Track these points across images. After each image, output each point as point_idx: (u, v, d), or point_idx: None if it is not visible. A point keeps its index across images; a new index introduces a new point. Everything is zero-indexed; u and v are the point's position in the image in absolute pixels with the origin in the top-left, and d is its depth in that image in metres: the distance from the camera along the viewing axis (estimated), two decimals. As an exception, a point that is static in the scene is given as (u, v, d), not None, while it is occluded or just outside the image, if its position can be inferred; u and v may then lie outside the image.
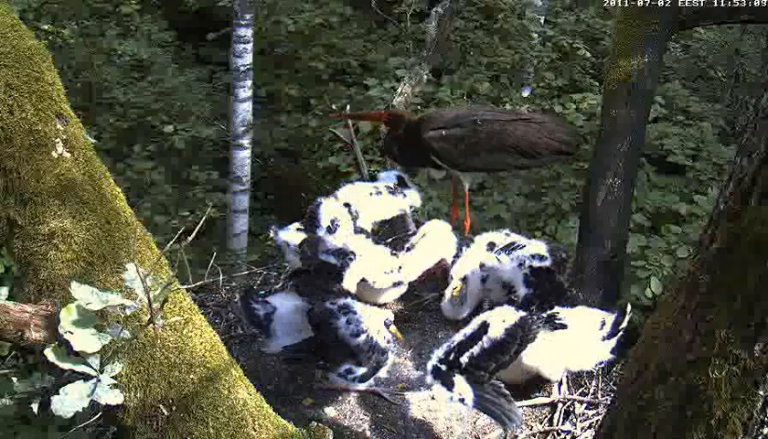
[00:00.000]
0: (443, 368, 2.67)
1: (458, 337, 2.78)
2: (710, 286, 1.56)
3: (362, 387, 3.01)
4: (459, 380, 2.63)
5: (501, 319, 2.75)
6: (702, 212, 5.20)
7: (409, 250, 3.52)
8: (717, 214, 1.57)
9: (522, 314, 2.81)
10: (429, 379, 2.70)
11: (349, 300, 2.89)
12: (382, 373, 2.91)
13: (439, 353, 2.73)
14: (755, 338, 1.49)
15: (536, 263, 3.13)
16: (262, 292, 3.12)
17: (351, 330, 2.77)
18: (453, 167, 3.84)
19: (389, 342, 2.90)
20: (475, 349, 2.67)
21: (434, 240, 3.56)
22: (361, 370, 2.82)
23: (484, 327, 2.73)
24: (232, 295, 3.76)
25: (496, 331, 2.70)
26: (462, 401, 2.60)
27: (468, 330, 2.77)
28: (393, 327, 3.03)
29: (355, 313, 2.82)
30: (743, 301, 1.49)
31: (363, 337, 2.78)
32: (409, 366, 3.33)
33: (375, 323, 2.88)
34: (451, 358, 2.68)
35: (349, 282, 3.08)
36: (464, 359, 2.66)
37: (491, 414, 2.65)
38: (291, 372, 3.17)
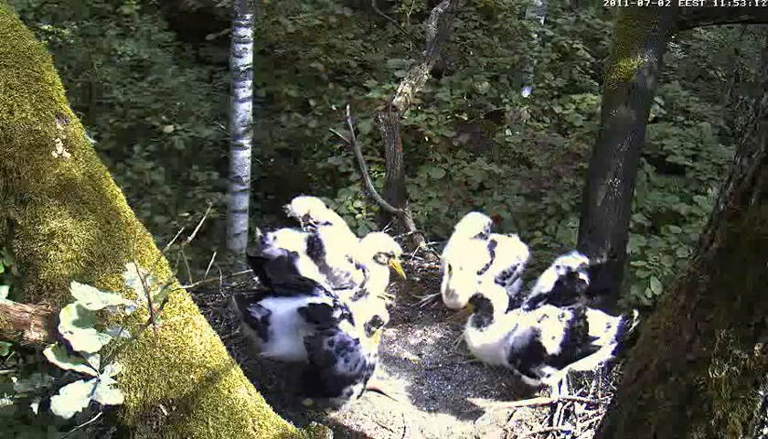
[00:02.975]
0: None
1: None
2: (710, 286, 1.56)
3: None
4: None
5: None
6: (702, 212, 5.20)
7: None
8: (717, 214, 1.57)
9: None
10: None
11: (343, 332, 2.82)
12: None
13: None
14: (755, 338, 1.49)
15: (574, 266, 3.21)
16: (253, 294, 3.12)
17: (349, 366, 2.80)
18: None
19: (375, 356, 2.93)
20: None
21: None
22: (358, 388, 2.85)
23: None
24: (230, 297, 3.76)
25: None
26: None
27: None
28: (378, 332, 2.97)
29: (351, 349, 2.80)
30: (743, 301, 1.49)
31: (359, 365, 2.81)
32: (410, 366, 3.34)
33: (363, 337, 2.89)
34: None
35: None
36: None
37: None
38: (290, 372, 3.17)
